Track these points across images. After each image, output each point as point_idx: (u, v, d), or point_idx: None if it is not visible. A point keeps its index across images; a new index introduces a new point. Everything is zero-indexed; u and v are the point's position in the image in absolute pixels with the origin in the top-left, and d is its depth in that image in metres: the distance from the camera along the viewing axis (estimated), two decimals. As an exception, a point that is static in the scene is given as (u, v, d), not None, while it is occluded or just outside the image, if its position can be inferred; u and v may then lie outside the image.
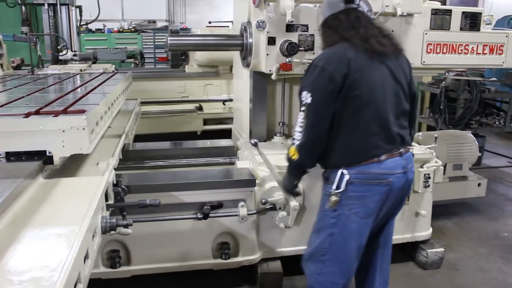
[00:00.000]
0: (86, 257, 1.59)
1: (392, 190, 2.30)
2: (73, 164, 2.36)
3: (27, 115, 2.22)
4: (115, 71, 5.40)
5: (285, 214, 2.95)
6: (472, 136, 4.59)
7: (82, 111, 2.25)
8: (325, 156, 2.35)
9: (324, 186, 2.45)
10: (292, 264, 3.20)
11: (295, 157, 2.34)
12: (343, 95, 2.21)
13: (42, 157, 2.14)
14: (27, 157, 2.13)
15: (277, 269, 3.09)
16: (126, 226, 2.10)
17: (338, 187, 2.26)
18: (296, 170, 2.50)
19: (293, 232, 3.09)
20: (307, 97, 2.24)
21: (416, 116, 2.49)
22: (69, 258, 1.38)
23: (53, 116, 2.18)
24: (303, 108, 2.27)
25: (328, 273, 2.38)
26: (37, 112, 2.28)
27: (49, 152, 2.13)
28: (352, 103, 2.22)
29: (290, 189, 2.62)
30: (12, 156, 2.14)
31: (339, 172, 2.26)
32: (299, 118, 2.28)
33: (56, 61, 7.26)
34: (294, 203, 2.92)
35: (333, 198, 2.28)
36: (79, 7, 8.87)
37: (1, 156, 2.12)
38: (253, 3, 2.97)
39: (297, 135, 2.31)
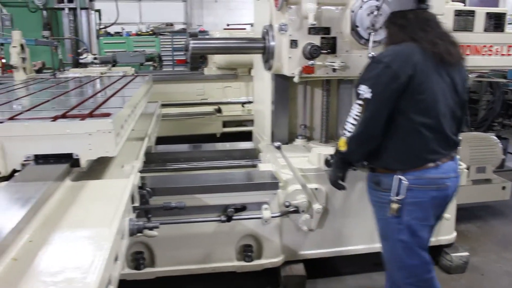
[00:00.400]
0: (116, 259, 1.61)
1: (449, 194, 2.32)
2: (99, 167, 2.38)
3: (55, 118, 2.25)
4: (136, 74, 5.45)
5: (308, 217, 2.94)
6: (496, 138, 4.53)
7: (108, 115, 2.27)
8: (377, 157, 2.32)
9: (374, 191, 2.40)
10: (315, 266, 3.21)
11: (344, 148, 2.32)
12: (406, 96, 2.18)
13: (69, 160, 2.16)
14: (55, 160, 2.16)
15: (300, 271, 3.08)
16: (152, 228, 2.11)
17: (397, 194, 2.23)
18: (342, 162, 2.47)
19: (316, 235, 3.08)
20: (366, 92, 2.19)
21: (465, 121, 2.46)
22: (101, 260, 1.39)
23: (80, 120, 2.21)
24: (359, 102, 2.22)
25: (415, 275, 2.37)
26: (64, 116, 2.31)
27: (76, 155, 2.16)
28: (414, 107, 2.19)
29: (334, 181, 2.54)
30: (41, 159, 2.16)
31: (396, 177, 2.23)
32: (354, 111, 2.25)
33: (77, 64, 7.37)
34: (317, 206, 2.92)
35: (395, 206, 2.24)
36: (98, 11, 8.99)
37: (30, 159, 2.14)
38: (275, 6, 2.97)
39: (349, 126, 2.27)
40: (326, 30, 3.02)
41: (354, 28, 2.92)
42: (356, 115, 2.23)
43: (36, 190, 1.82)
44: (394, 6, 2.37)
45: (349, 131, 2.27)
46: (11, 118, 2.29)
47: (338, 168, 2.50)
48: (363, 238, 3.19)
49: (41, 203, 1.79)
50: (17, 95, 3.58)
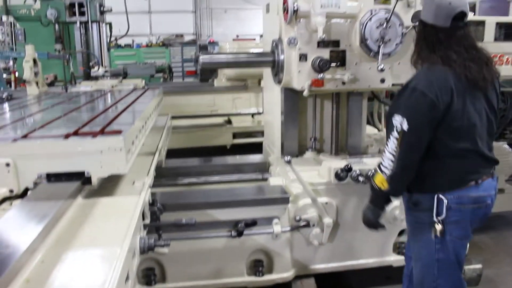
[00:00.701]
0: (127, 278, 1.62)
1: (488, 211, 2.31)
2: (110, 183, 2.40)
3: (67, 136, 2.27)
4: (146, 87, 5.49)
5: (319, 231, 2.93)
6: (508, 147, 4.49)
7: (119, 132, 2.29)
8: (414, 180, 2.26)
9: (412, 212, 2.38)
10: (326, 281, 3.19)
11: (385, 187, 2.24)
12: (443, 124, 2.14)
13: (81, 177, 2.18)
14: (67, 178, 2.17)
15: (311, 286, 3.07)
16: (163, 245, 2.11)
17: (439, 214, 2.21)
18: (383, 200, 2.37)
19: (327, 249, 3.07)
20: (402, 123, 2.12)
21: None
22: (113, 279, 1.40)
23: (91, 137, 2.23)
24: (395, 135, 2.15)
25: None
26: (75, 133, 2.34)
27: (88, 173, 2.18)
28: (452, 133, 2.17)
29: (376, 222, 2.42)
30: (53, 177, 2.18)
31: (436, 197, 2.21)
32: (390, 145, 2.18)
33: (88, 77, 7.44)
34: (327, 220, 2.91)
35: (439, 227, 2.22)
36: (109, 24, 9.08)
37: (43, 178, 2.16)
38: (284, 19, 2.99)
39: (387, 163, 2.20)
40: (336, 43, 3.02)
41: (363, 40, 2.93)
42: (394, 150, 2.17)
43: (49, 209, 1.84)
44: (426, 18, 2.25)
45: (387, 168, 2.21)
46: (24, 136, 2.32)
47: (378, 206, 2.40)
48: (374, 252, 3.18)
49: (54, 222, 1.81)
50: (30, 110, 3.63)
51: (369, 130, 4.16)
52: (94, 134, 2.28)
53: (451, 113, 2.13)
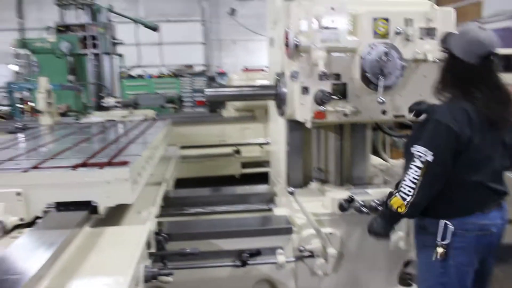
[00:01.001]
0: (130, 308, 1.67)
1: (493, 240, 2.37)
2: (117, 212, 2.46)
3: (75, 167, 2.36)
4: (156, 119, 5.61)
5: (323, 262, 2.95)
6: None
7: (126, 163, 2.37)
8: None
9: (420, 235, 2.48)
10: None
11: (402, 210, 2.32)
12: (462, 156, 2.24)
13: (88, 207, 2.26)
14: (75, 207, 2.25)
15: (315, 316, 3.07)
16: (167, 274, 2.16)
17: (443, 239, 2.29)
18: (396, 220, 2.50)
19: (331, 280, 3.06)
20: (426, 154, 2.21)
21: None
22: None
23: (99, 168, 2.32)
24: (419, 165, 2.23)
25: None
26: (83, 164, 2.43)
27: (95, 203, 2.26)
28: (468, 164, 2.26)
29: (384, 235, 2.58)
30: (62, 206, 2.26)
31: (442, 223, 2.29)
32: (412, 173, 2.25)
33: (100, 107, 7.61)
34: (331, 250, 2.93)
35: (440, 250, 2.31)
36: (121, 56, 9.31)
37: (52, 207, 2.24)
38: (286, 54, 3.08)
39: (407, 190, 2.28)
40: (337, 76, 3.09)
41: (363, 74, 3.00)
42: (415, 178, 2.25)
43: (57, 237, 1.91)
44: (455, 50, 2.31)
45: (407, 194, 2.28)
46: (35, 167, 2.41)
47: (390, 224, 2.52)
48: (379, 282, 3.18)
49: (61, 250, 1.87)
50: (42, 141, 3.74)
51: (375, 160, 4.20)
52: (101, 165, 2.37)
53: (470, 146, 2.22)
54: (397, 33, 2.94)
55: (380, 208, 2.90)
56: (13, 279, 1.49)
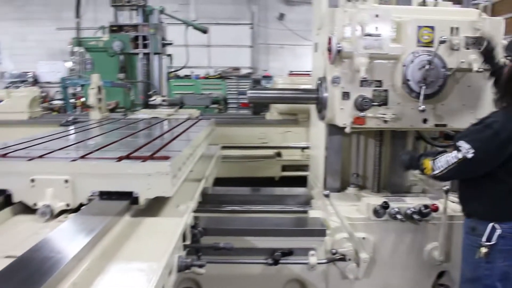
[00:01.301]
0: (162, 292, 1.75)
1: None
2: (156, 205, 2.56)
3: (120, 159, 2.48)
4: (199, 118, 5.74)
5: (355, 266, 2.96)
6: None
7: (167, 158, 2.47)
8: (473, 205, 2.53)
9: (469, 236, 2.56)
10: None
11: (427, 172, 2.64)
12: (510, 162, 2.36)
13: (130, 197, 2.37)
14: (117, 197, 2.37)
15: (345, 320, 3.08)
16: (200, 266, 2.24)
17: (488, 240, 2.38)
18: (419, 170, 2.82)
19: (362, 285, 3.07)
20: (468, 151, 2.37)
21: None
22: (147, 293, 1.54)
23: (141, 161, 2.43)
24: (458, 155, 2.41)
25: None
26: (127, 157, 2.55)
27: (136, 194, 2.37)
28: None
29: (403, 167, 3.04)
30: (105, 195, 2.38)
31: (490, 225, 2.39)
32: (451, 158, 2.45)
33: (147, 105, 7.82)
34: (364, 255, 2.94)
35: (483, 250, 2.40)
36: (170, 56, 9.54)
37: (96, 195, 2.36)
38: (329, 59, 3.11)
39: (440, 165, 2.52)
40: (378, 82, 3.11)
41: (405, 81, 3.00)
42: (450, 162, 2.45)
43: (98, 223, 2.02)
44: None
45: (438, 168, 2.53)
46: (82, 157, 2.55)
47: (413, 168, 2.97)
48: (411, 291, 3.16)
49: (101, 235, 1.98)
50: (91, 134, 3.92)
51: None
52: (144, 159, 2.48)
53: None
54: (442, 42, 2.92)
55: (415, 216, 2.90)
56: (56, 258, 1.60)
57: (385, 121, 3.10)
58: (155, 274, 1.68)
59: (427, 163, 2.61)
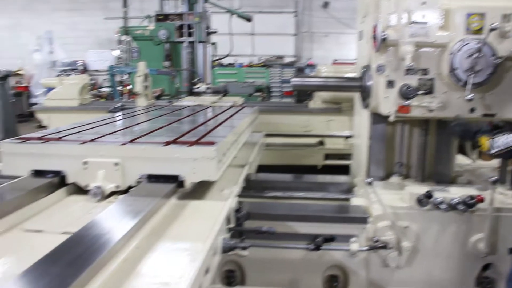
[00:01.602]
0: (206, 271, 1.82)
1: None
2: (201, 189, 2.65)
3: (167, 143, 2.57)
4: (243, 105, 5.80)
5: (396, 254, 2.96)
6: None
7: (212, 143, 2.54)
8: None
9: None
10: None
11: (483, 149, 2.77)
12: None
13: (176, 181, 2.46)
14: (164, 180, 2.46)
15: (385, 308, 3.09)
16: (243, 248, 2.30)
17: None
18: (467, 140, 3.04)
19: (404, 273, 3.06)
20: None
21: None
22: (193, 270, 1.61)
23: (188, 146, 2.50)
24: None
25: None
26: (174, 142, 2.63)
27: (182, 177, 2.45)
28: None
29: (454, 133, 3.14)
30: (152, 178, 2.48)
31: None
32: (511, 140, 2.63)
33: (191, 93, 7.97)
34: (406, 244, 2.93)
35: None
36: (214, 44, 9.65)
37: (144, 178, 2.46)
38: (374, 47, 3.09)
39: (498, 145, 2.70)
40: (424, 71, 3.06)
41: (452, 70, 2.95)
42: (508, 145, 2.63)
43: (146, 204, 2.11)
44: None
45: (495, 147, 2.68)
46: (131, 141, 2.65)
47: (464, 138, 3.18)
48: (454, 283, 3.11)
49: (149, 216, 2.07)
50: (138, 120, 4.04)
51: (461, 160, 4.09)
52: (190, 144, 2.55)
53: None
54: (492, 29, 2.85)
55: (460, 206, 2.86)
56: (108, 235, 1.69)
57: (431, 110, 3.06)
58: (201, 254, 1.75)
59: (484, 141, 2.72)
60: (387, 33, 2.93)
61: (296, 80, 3.50)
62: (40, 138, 2.75)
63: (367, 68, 3.27)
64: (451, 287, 3.14)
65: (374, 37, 3.02)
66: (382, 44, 2.96)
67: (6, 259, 1.75)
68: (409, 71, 2.96)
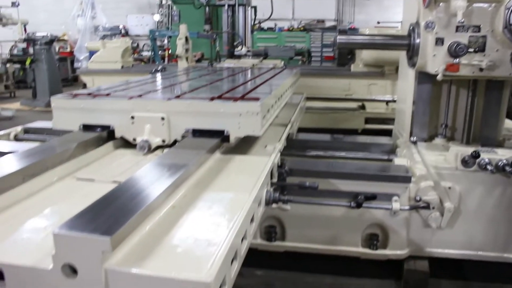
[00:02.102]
0: (251, 220, 1.86)
1: None
2: (245, 145, 2.68)
3: (212, 99, 2.60)
4: (284, 67, 5.77)
5: (438, 215, 2.93)
6: None
7: (257, 99, 2.56)
8: None
9: None
10: (440, 266, 3.18)
11: None
12: None
13: (221, 135, 2.50)
14: (209, 135, 2.50)
15: (424, 268, 3.08)
16: (286, 201, 2.34)
17: None
18: None
19: (445, 234, 3.04)
20: None
21: None
22: (240, 217, 1.65)
23: (233, 101, 2.53)
24: None
25: None
26: (219, 97, 2.66)
27: (227, 132, 2.49)
28: None
29: None
30: (197, 133, 2.52)
31: None
32: None
33: (232, 56, 7.96)
34: (449, 204, 2.89)
35: None
36: (255, 8, 9.55)
37: (189, 132, 2.51)
38: (423, 3, 3.00)
39: None
40: (476, 28, 2.95)
41: (507, 26, 2.83)
42: None
43: (192, 157, 2.16)
44: None
45: None
46: (177, 97, 2.70)
47: None
48: (496, 246, 3.08)
49: (195, 169, 2.12)
50: (181, 79, 4.09)
51: (509, 124, 3.97)
52: (235, 99, 2.58)
53: None
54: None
55: (508, 168, 2.80)
56: (155, 185, 1.74)
57: (481, 69, 2.97)
58: (247, 202, 1.79)
59: None
60: (438, -13, 2.84)
61: (342, 38, 3.44)
62: (89, 94, 2.83)
63: (415, 25, 3.18)
64: (493, 252, 3.10)
65: (425, -8, 2.93)
66: (432, -1, 2.88)
67: (62, 204, 1.85)
68: (460, 28, 2.87)
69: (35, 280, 1.32)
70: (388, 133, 4.51)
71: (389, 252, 3.09)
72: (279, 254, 3.23)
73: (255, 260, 2.57)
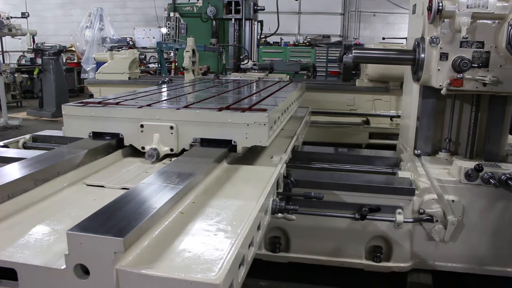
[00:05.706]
0: (258, 228, 1.90)
1: None
2: (252, 155, 2.73)
3: (220, 109, 2.65)
4: (290, 81, 5.83)
5: (442, 228, 2.96)
6: None
7: (264, 110, 2.61)
8: None
9: None
10: (443, 279, 3.18)
11: None
12: None
13: (228, 145, 2.54)
14: (216, 144, 2.55)
15: (427, 281, 3.09)
16: (291, 211, 2.37)
17: None
18: None
19: (448, 247, 3.06)
20: None
21: None
22: (247, 224, 1.69)
23: (241, 112, 2.58)
24: None
25: None
26: (227, 108, 2.71)
27: (234, 142, 2.53)
28: None
29: None
30: (205, 142, 2.57)
31: None
32: None
33: (238, 69, 8.03)
34: (452, 217, 2.92)
35: None
36: (261, 22, 9.65)
37: (197, 141, 2.56)
38: (428, 19, 3.06)
39: None
40: (480, 44, 3.00)
41: (510, 42, 2.87)
42: None
43: (200, 166, 2.20)
44: None
45: None
46: (186, 107, 2.75)
47: None
48: (499, 260, 3.09)
49: (203, 177, 2.16)
50: (188, 90, 4.15)
51: (512, 139, 4.00)
52: (243, 110, 2.63)
53: None
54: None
55: (511, 182, 2.82)
56: (164, 191, 1.78)
57: (484, 84, 3.01)
58: (254, 210, 1.83)
59: None
60: (443, 4, 2.89)
61: (358, 52, 3.52)
62: (99, 103, 2.89)
63: (420, 41, 3.23)
64: (496, 266, 3.12)
65: (429, 8, 2.98)
66: (437, 15, 2.93)
67: (72, 208, 1.89)
68: (464, 43, 2.91)
69: (47, 280, 1.36)
70: (392, 148, 4.54)
71: (393, 264, 3.11)
72: (284, 265, 3.24)
73: (259, 270, 2.59)
